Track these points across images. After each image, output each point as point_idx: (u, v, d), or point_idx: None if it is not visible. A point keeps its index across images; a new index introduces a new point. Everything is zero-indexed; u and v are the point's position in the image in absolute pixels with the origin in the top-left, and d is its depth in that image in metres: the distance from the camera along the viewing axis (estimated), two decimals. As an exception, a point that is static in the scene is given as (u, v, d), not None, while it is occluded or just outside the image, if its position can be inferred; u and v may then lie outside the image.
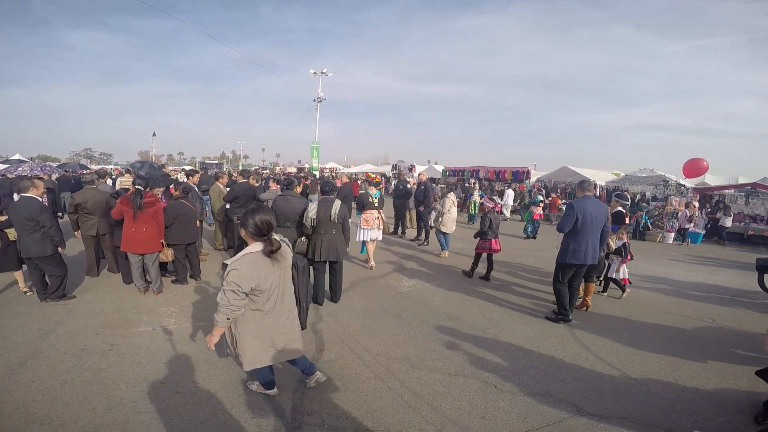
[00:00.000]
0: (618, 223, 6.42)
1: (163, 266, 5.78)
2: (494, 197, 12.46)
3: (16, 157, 22.97)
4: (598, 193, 17.06)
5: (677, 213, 12.31)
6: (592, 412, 3.13)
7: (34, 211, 4.69)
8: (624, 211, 6.86)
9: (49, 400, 2.97)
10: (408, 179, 11.79)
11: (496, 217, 6.63)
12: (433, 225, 8.74)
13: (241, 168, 28.95)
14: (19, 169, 14.48)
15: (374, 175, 10.02)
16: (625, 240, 6.06)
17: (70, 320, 4.47)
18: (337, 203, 5.05)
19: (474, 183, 16.87)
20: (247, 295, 2.48)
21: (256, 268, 2.46)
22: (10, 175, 12.87)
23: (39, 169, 14.38)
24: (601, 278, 6.14)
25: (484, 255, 6.64)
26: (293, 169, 34.82)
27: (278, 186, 8.18)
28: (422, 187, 9.54)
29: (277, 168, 50.78)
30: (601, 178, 17.81)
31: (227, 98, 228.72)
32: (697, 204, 12.68)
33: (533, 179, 18.91)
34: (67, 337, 4.03)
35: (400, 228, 10.49)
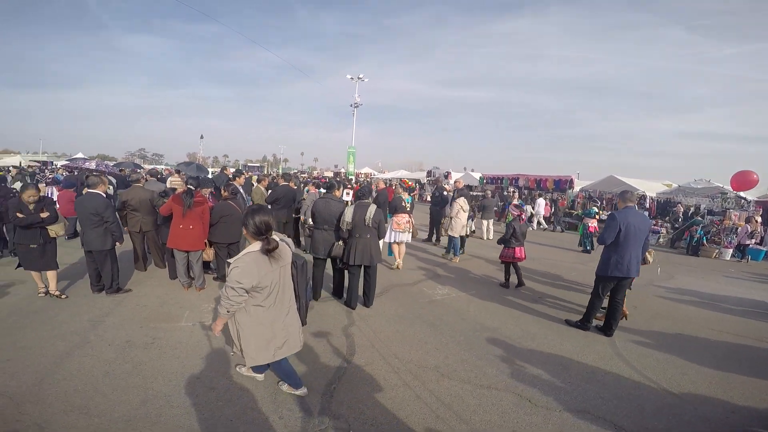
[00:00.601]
0: None
1: (206, 264, 6.00)
2: (520, 205, 12.10)
3: (79, 155, 24.81)
4: (648, 205, 16.14)
5: (737, 228, 11.39)
6: (632, 431, 2.93)
7: (99, 207, 4.99)
8: None
9: (89, 390, 3.11)
10: (445, 186, 11.66)
11: (521, 226, 6.53)
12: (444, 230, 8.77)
13: (281, 171, 29.83)
14: (86, 164, 15.58)
15: (410, 182, 10.16)
16: None
17: (118, 312, 4.71)
18: (372, 207, 5.06)
19: (513, 192, 16.42)
20: (247, 291, 2.60)
21: (256, 266, 2.58)
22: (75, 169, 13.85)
23: (103, 166, 15.42)
24: None
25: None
26: (330, 174, 35.43)
27: (317, 189, 8.39)
28: (461, 195, 9.39)
29: (315, 172, 51.90)
30: (652, 188, 16.78)
31: (267, 102, 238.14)
32: (759, 219, 11.67)
33: (577, 188, 18.10)
34: (113, 329, 4.24)
35: (434, 235, 10.35)
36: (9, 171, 16.73)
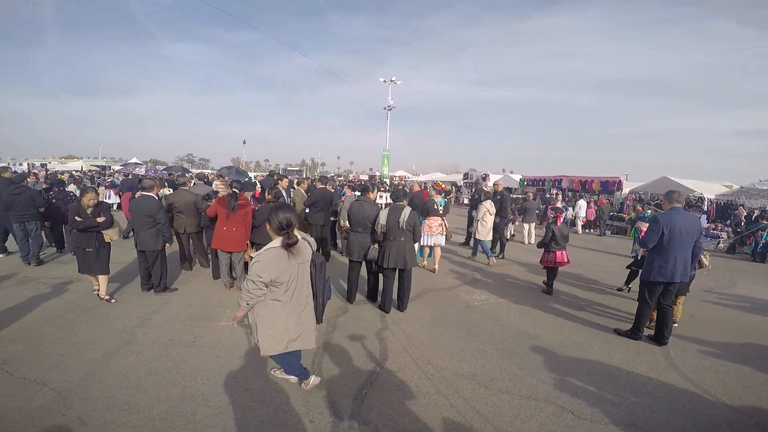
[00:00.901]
0: None
1: (247, 265, 6.17)
2: (558, 206, 11.56)
3: (133, 160, 26.49)
4: (706, 208, 14.99)
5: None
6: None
7: (153, 209, 5.27)
8: None
9: (132, 387, 3.25)
10: (484, 188, 11.37)
11: (560, 228, 6.27)
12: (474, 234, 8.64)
13: (318, 175, 30.39)
14: (137, 169, 16.65)
15: (444, 185, 10.11)
16: None
17: (164, 311, 4.93)
18: (407, 210, 5.00)
19: (556, 194, 15.76)
20: (266, 285, 2.73)
21: (276, 261, 2.71)
22: (129, 175, 14.86)
23: (152, 171, 16.44)
24: (632, 283, 6.48)
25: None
26: (365, 177, 35.67)
27: (353, 192, 8.44)
28: (498, 197, 9.12)
29: (351, 175, 52.54)
30: (710, 190, 15.59)
31: (304, 107, 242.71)
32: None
33: (626, 190, 17.09)
34: (158, 327, 4.44)
35: (472, 239, 10.08)
36: (72, 175, 18.15)
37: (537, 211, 13.71)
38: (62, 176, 16.07)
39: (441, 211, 7.23)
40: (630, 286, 6.60)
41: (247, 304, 2.80)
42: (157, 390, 3.21)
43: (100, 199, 5.40)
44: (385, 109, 29.77)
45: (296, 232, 2.84)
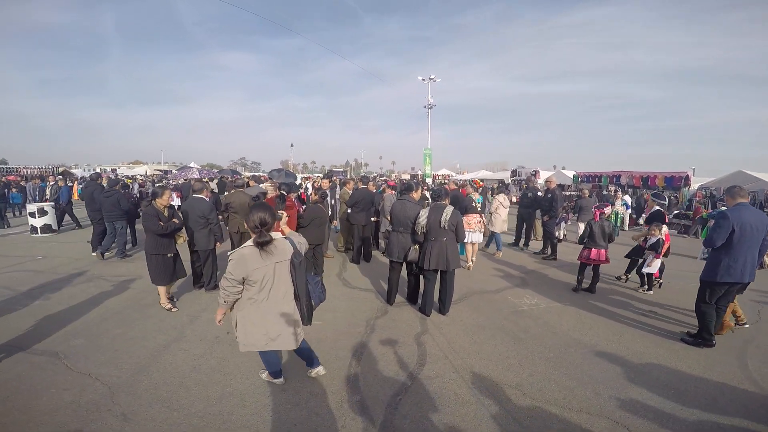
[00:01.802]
0: (659, 221, 6.36)
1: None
2: (605, 203, 10.77)
3: (192, 164, 28.18)
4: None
5: None
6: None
7: (205, 210, 5.50)
8: (662, 210, 7.24)
9: (176, 383, 3.35)
10: (536, 186, 10.78)
11: (599, 224, 5.91)
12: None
13: (361, 175, 30.59)
14: (190, 173, 17.76)
15: (482, 182, 10.44)
16: (659, 236, 5.95)
17: (213, 308, 5.04)
18: (449, 209, 4.82)
19: (615, 190, 14.67)
20: (240, 283, 2.79)
21: (247, 260, 2.73)
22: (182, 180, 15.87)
23: (205, 173, 17.46)
24: (632, 273, 6.70)
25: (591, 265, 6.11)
26: (407, 176, 35.36)
27: (393, 192, 8.34)
28: (549, 195, 8.61)
29: (393, 175, 52.52)
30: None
31: (347, 109, 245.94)
32: None
33: (694, 186, 15.52)
34: (206, 325, 4.59)
35: (522, 240, 9.59)
36: (135, 179, 19.68)
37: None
38: (128, 180, 17.48)
39: (479, 209, 7.56)
40: (629, 275, 6.81)
41: (225, 302, 2.88)
42: (199, 387, 3.29)
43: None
44: (425, 107, 29.08)
45: (283, 232, 2.93)
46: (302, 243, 3.08)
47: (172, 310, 4.99)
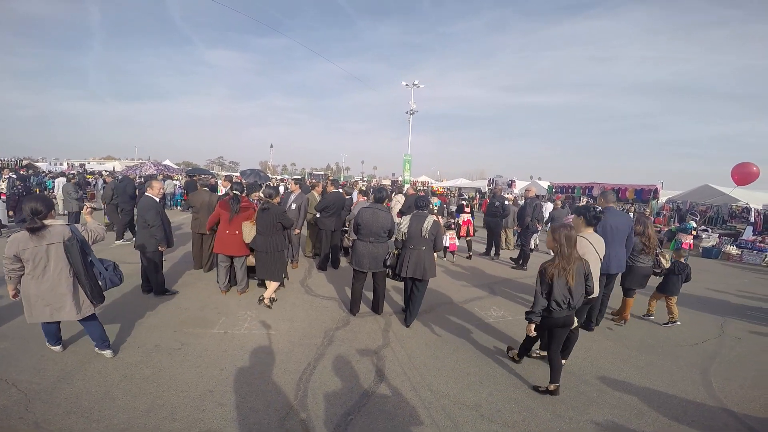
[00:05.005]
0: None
1: (251, 269, 5.91)
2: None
3: (167, 162, 27.20)
4: (753, 219, 13.95)
5: None
6: None
7: (142, 209, 5.10)
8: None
9: (100, 393, 3.03)
10: (506, 195, 10.78)
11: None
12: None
13: (331, 178, 30.30)
14: (144, 169, 17.09)
15: (441, 189, 12.38)
16: None
17: (159, 314, 4.74)
18: (430, 219, 4.65)
19: (588, 202, 14.92)
20: (14, 261, 3.14)
21: (18, 242, 3.11)
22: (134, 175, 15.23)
23: (166, 170, 16.82)
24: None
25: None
26: (387, 182, 35.19)
27: (366, 198, 8.04)
28: (533, 205, 8.52)
29: (374, 180, 52.29)
30: (758, 200, 14.44)
31: (330, 111, 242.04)
32: None
33: (662, 199, 16.00)
34: (148, 331, 4.23)
35: (493, 249, 9.51)
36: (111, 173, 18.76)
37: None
38: (89, 176, 16.65)
39: (435, 211, 8.32)
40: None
41: (10, 279, 3.24)
42: (126, 398, 2.98)
43: None
44: (407, 113, 28.84)
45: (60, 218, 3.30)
46: (93, 230, 3.47)
47: None
